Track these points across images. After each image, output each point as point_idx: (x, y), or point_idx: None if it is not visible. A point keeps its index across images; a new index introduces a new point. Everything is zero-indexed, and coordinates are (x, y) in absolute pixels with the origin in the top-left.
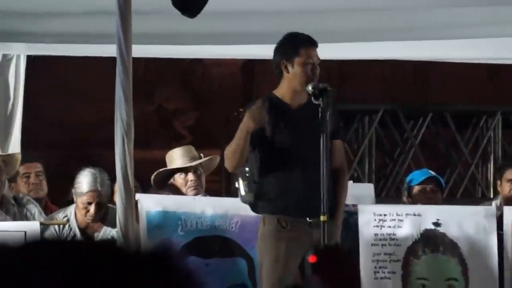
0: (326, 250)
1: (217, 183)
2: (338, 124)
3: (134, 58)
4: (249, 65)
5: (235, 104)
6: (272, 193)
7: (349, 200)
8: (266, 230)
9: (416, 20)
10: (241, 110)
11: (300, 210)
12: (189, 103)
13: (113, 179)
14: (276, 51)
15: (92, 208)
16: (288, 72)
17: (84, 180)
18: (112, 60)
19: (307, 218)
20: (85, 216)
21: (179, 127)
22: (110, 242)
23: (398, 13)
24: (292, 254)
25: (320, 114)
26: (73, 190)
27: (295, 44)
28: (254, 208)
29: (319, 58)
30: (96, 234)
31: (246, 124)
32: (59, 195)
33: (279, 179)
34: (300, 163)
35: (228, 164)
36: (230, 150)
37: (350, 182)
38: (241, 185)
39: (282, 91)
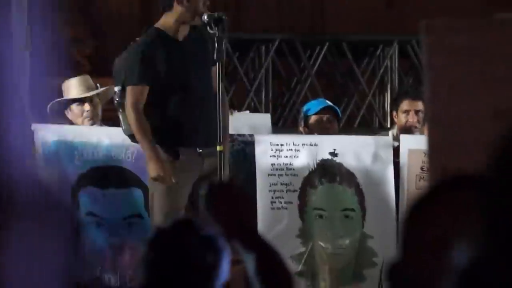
0: (221, 183)
1: (114, 112)
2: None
3: None
4: None
5: (133, 33)
6: (160, 125)
7: (245, 130)
8: None
9: None
10: (137, 39)
11: (190, 140)
12: (86, 31)
13: None
14: None
15: None
16: (179, 3)
17: None
18: None
19: (197, 149)
20: None
21: (77, 56)
22: None
23: None
24: (182, 184)
25: (216, 44)
26: None
27: None
28: (135, 139)
29: None
30: None
31: (152, 164)
32: None
33: (169, 112)
34: (188, 93)
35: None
36: (137, 129)
37: (247, 112)
38: (122, 117)
39: (168, 24)
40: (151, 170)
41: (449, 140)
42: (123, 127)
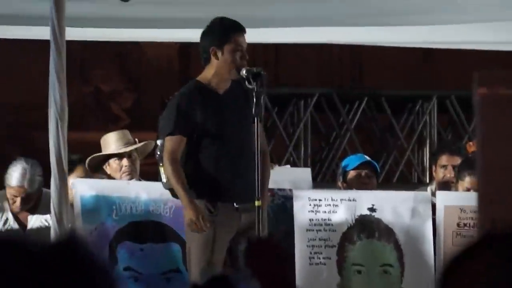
0: (260, 240)
1: (153, 166)
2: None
3: (69, 41)
4: (186, 48)
5: (171, 87)
6: (198, 179)
7: (286, 184)
8: None
9: (351, 5)
10: (175, 93)
11: (227, 195)
12: (126, 85)
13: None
14: (205, 36)
15: (17, 201)
16: (217, 58)
17: (14, 174)
18: (48, 42)
19: (234, 204)
20: (13, 205)
21: (116, 109)
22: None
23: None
24: (219, 239)
25: (254, 99)
26: (5, 177)
27: (225, 31)
28: (175, 194)
29: (246, 44)
30: (29, 218)
31: (187, 215)
32: None
33: (206, 164)
34: (227, 148)
35: (165, 172)
36: (173, 179)
37: (287, 167)
38: (162, 171)
39: (209, 77)
40: (186, 215)
41: (499, 191)
42: (163, 181)
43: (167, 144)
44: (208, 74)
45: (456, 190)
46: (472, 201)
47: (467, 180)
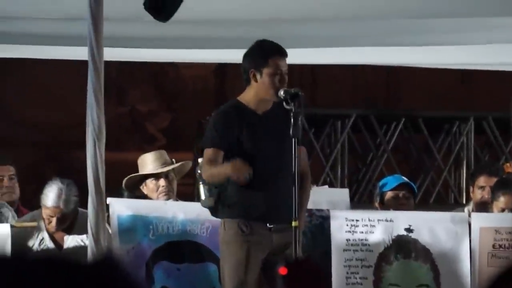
0: (297, 262)
1: (189, 186)
2: (301, 131)
3: (107, 61)
4: (222, 68)
5: (207, 107)
6: (234, 198)
7: (324, 205)
8: (226, 235)
9: (388, 26)
10: (212, 114)
11: (261, 215)
12: (162, 105)
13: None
14: (245, 58)
15: (53, 221)
16: (256, 81)
17: (50, 194)
18: (85, 62)
19: (267, 224)
20: (48, 225)
21: (152, 129)
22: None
23: (370, 20)
24: (253, 259)
25: (292, 119)
26: (41, 197)
27: (264, 54)
28: (214, 212)
29: (287, 68)
30: (65, 238)
31: (229, 172)
32: (30, 197)
33: (241, 184)
34: (263, 168)
35: (206, 178)
36: (213, 174)
37: (325, 187)
38: (201, 189)
39: (248, 97)
40: (229, 172)
41: None
42: (202, 199)
43: (205, 155)
44: (248, 95)
45: (492, 211)
46: (507, 222)
47: (501, 200)
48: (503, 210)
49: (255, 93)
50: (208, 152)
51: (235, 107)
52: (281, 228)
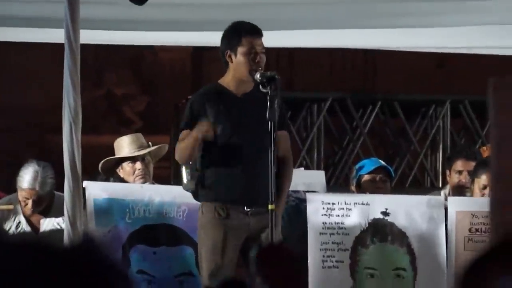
0: (271, 246)
1: (166, 169)
2: (284, 115)
3: (83, 44)
4: (199, 52)
5: (184, 90)
6: (211, 181)
7: (300, 187)
8: (204, 218)
9: (365, 9)
10: (188, 97)
11: (239, 199)
12: (138, 88)
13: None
14: (221, 40)
15: (29, 203)
16: (232, 61)
17: (25, 176)
18: (61, 45)
19: (245, 207)
20: (25, 207)
21: (129, 112)
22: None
23: (348, 3)
24: (230, 242)
25: (268, 103)
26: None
27: (237, 34)
28: (195, 196)
29: (263, 47)
30: (42, 221)
31: (195, 134)
32: (6, 182)
33: (219, 167)
34: (241, 151)
35: (178, 158)
36: (181, 147)
37: (301, 169)
38: (184, 172)
39: (228, 80)
40: (195, 133)
41: None
42: (184, 183)
43: (180, 138)
44: (227, 77)
45: (472, 191)
46: (483, 206)
47: (483, 178)
48: (484, 188)
49: (232, 75)
50: (182, 133)
51: (213, 90)
52: (259, 212)
